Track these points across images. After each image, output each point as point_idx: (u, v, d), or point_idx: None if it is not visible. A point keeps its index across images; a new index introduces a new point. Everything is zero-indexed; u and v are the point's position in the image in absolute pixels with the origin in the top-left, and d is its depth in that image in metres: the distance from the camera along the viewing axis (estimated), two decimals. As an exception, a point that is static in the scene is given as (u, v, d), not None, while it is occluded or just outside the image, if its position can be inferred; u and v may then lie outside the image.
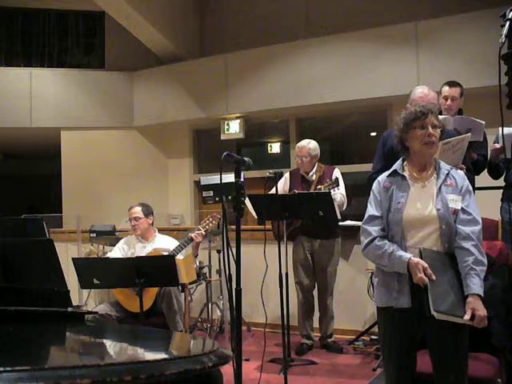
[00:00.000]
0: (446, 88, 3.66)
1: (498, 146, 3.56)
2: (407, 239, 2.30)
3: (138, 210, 4.20)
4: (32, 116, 7.11)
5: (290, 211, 3.98)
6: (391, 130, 3.64)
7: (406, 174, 2.39)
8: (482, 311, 2.16)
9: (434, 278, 2.18)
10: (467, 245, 2.23)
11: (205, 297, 5.22)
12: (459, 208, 2.29)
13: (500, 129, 3.43)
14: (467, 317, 2.15)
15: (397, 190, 2.36)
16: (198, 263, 4.51)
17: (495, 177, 3.75)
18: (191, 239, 4.08)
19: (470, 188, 2.38)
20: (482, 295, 2.19)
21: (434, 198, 2.32)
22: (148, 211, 4.23)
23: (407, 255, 2.24)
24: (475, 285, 2.18)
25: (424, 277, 2.18)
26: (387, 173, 2.45)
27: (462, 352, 2.32)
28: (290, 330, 4.20)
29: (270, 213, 4.01)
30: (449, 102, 3.61)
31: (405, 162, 2.44)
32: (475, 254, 2.22)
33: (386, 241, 2.32)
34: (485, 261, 2.25)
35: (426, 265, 2.20)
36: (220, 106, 6.74)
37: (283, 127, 7.07)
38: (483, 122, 3.45)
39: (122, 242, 4.36)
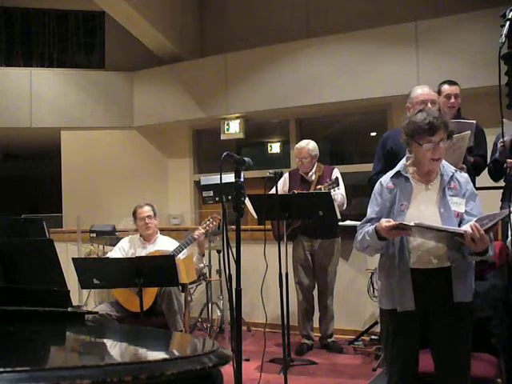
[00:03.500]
0: (447, 87, 3.61)
1: (506, 139, 3.47)
2: (410, 241, 2.29)
3: (149, 209, 4.22)
4: (32, 116, 7.10)
5: (290, 211, 3.98)
6: (391, 131, 3.64)
7: (409, 175, 2.37)
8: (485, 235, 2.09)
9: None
10: None
11: (205, 297, 5.22)
12: (462, 211, 2.28)
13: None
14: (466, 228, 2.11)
15: (400, 192, 2.34)
16: (204, 262, 4.50)
17: (498, 177, 3.71)
18: (193, 239, 4.09)
19: (475, 191, 2.37)
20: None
21: (437, 201, 2.30)
22: (155, 211, 4.26)
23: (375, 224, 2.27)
24: None
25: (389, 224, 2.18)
26: (390, 174, 2.42)
27: (465, 352, 2.32)
28: (290, 329, 4.20)
29: (270, 213, 4.01)
30: (452, 99, 3.56)
31: (408, 162, 2.41)
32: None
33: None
34: (492, 245, 2.22)
35: (388, 219, 2.21)
36: (220, 106, 6.74)
37: (283, 127, 7.07)
38: (474, 122, 3.38)
39: (123, 241, 4.35)
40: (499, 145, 3.48)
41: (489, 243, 2.13)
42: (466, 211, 2.28)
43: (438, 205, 2.30)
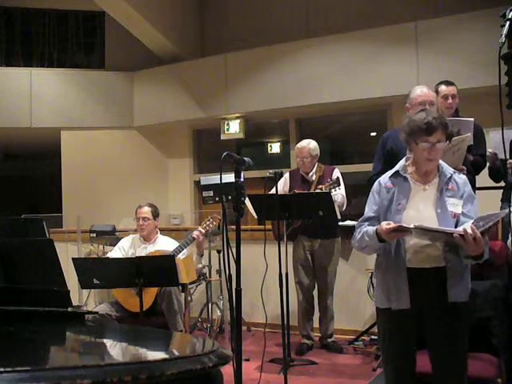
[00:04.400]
0: (443, 87, 3.62)
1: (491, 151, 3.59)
2: (406, 240, 2.29)
3: (147, 211, 4.17)
4: (32, 116, 7.10)
5: (290, 211, 3.98)
6: (391, 131, 3.64)
7: (407, 175, 2.37)
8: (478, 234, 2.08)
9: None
10: None
11: (205, 297, 5.22)
12: (459, 212, 2.28)
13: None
14: (460, 229, 2.12)
15: (398, 191, 2.35)
16: (203, 262, 4.50)
17: (498, 179, 3.73)
18: (193, 239, 4.08)
19: (473, 194, 2.37)
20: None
21: (434, 201, 2.31)
22: (156, 213, 4.21)
23: (376, 226, 2.27)
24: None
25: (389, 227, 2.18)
26: (389, 173, 2.43)
27: (461, 353, 2.32)
28: (290, 329, 4.20)
29: (270, 213, 4.01)
30: (450, 100, 3.57)
31: (407, 162, 2.41)
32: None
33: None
34: (487, 249, 2.22)
35: (388, 222, 2.21)
36: (220, 106, 6.74)
37: (283, 127, 7.07)
38: (472, 120, 3.40)
39: (123, 240, 4.34)
40: (489, 152, 3.55)
41: (484, 247, 2.13)
42: (462, 213, 2.28)
43: (435, 205, 2.30)
